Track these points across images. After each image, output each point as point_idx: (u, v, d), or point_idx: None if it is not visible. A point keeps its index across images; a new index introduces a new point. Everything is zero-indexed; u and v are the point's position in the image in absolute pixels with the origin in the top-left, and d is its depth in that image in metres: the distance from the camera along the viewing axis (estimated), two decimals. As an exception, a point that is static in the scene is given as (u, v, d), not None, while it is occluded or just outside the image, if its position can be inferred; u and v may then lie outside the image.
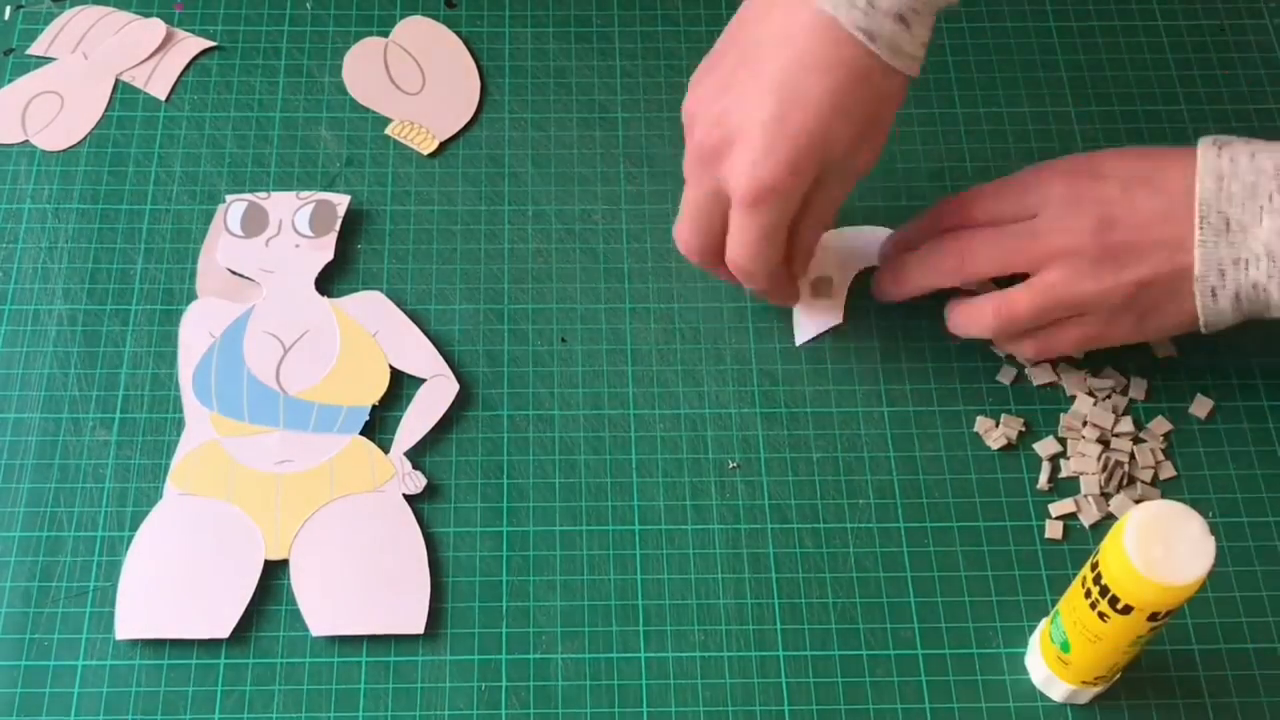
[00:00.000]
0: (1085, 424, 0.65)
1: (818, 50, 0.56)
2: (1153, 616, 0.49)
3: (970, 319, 0.63)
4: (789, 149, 0.56)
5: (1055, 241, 0.59)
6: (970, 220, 0.63)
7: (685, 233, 0.62)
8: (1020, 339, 0.63)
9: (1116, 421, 0.65)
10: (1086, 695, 0.57)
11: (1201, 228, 0.58)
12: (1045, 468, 0.64)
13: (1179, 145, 0.60)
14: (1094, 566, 0.50)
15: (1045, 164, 0.62)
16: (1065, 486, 0.64)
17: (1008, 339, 0.63)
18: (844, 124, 0.56)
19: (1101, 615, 0.51)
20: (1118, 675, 0.57)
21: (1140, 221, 0.59)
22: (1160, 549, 0.48)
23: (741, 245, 0.59)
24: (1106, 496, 0.63)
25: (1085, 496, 0.63)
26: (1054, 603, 0.59)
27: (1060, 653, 0.55)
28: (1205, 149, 0.59)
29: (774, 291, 0.65)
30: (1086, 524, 0.62)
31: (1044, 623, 0.57)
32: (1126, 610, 0.49)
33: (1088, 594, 0.51)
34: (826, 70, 0.56)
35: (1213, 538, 0.48)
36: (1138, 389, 0.66)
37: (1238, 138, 0.59)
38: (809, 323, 0.67)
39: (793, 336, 0.67)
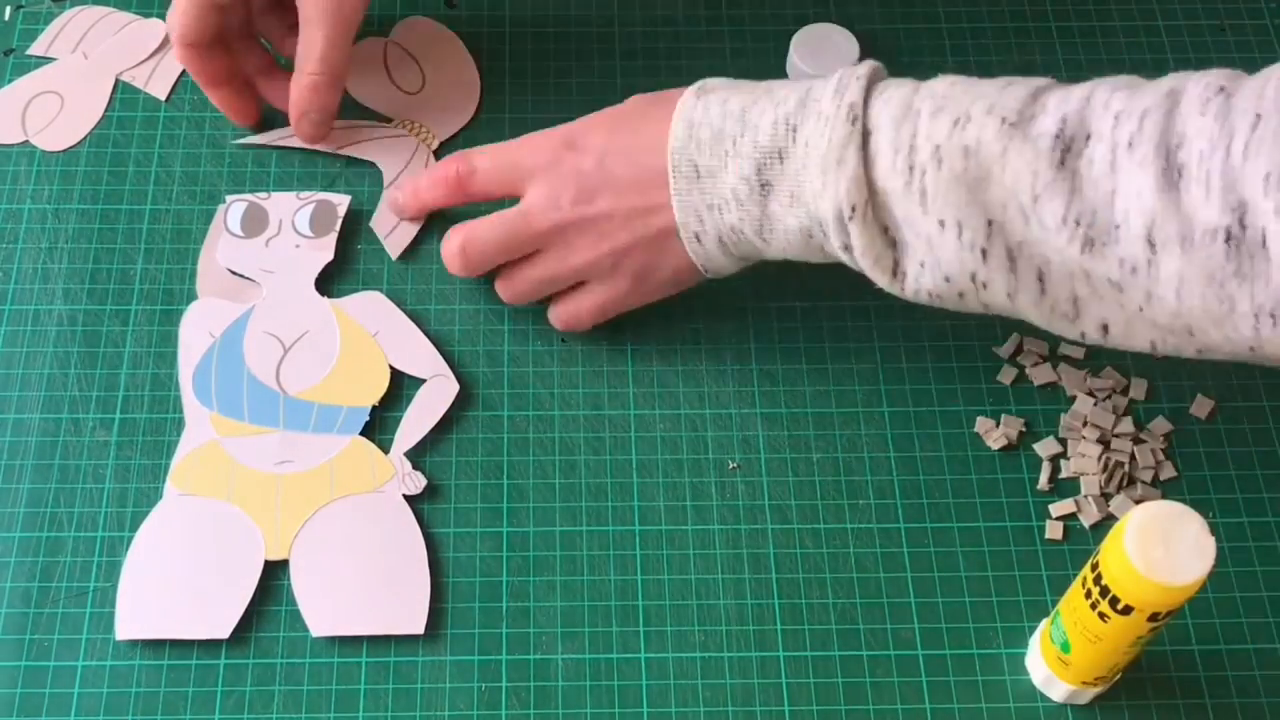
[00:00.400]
0: (1085, 424, 0.65)
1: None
2: (1153, 617, 0.49)
3: (504, 286, 0.66)
4: None
5: (541, 220, 0.62)
6: (472, 194, 0.66)
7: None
8: (551, 307, 0.66)
9: (1117, 422, 0.65)
10: (1087, 696, 0.57)
11: (674, 177, 0.60)
12: (1045, 468, 0.64)
13: None
14: (1094, 567, 0.50)
15: (535, 134, 0.64)
16: (1065, 487, 0.64)
17: (520, 302, 0.66)
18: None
19: (1102, 616, 0.51)
20: (1118, 675, 0.57)
21: (616, 190, 0.61)
22: (1160, 549, 0.48)
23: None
24: (1107, 497, 0.63)
25: (1085, 497, 0.63)
26: (1054, 603, 0.59)
27: (1060, 653, 0.55)
28: (686, 98, 0.61)
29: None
30: (1087, 524, 0.62)
31: (1044, 623, 0.57)
32: (1127, 611, 0.49)
33: (1088, 594, 0.51)
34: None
35: (1213, 538, 0.48)
36: (1138, 389, 0.66)
37: (728, 80, 0.61)
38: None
39: (792, 336, 0.67)
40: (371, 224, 0.69)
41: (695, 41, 0.77)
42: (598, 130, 0.63)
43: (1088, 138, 0.52)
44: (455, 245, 0.65)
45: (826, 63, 0.73)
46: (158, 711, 0.57)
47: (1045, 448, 0.64)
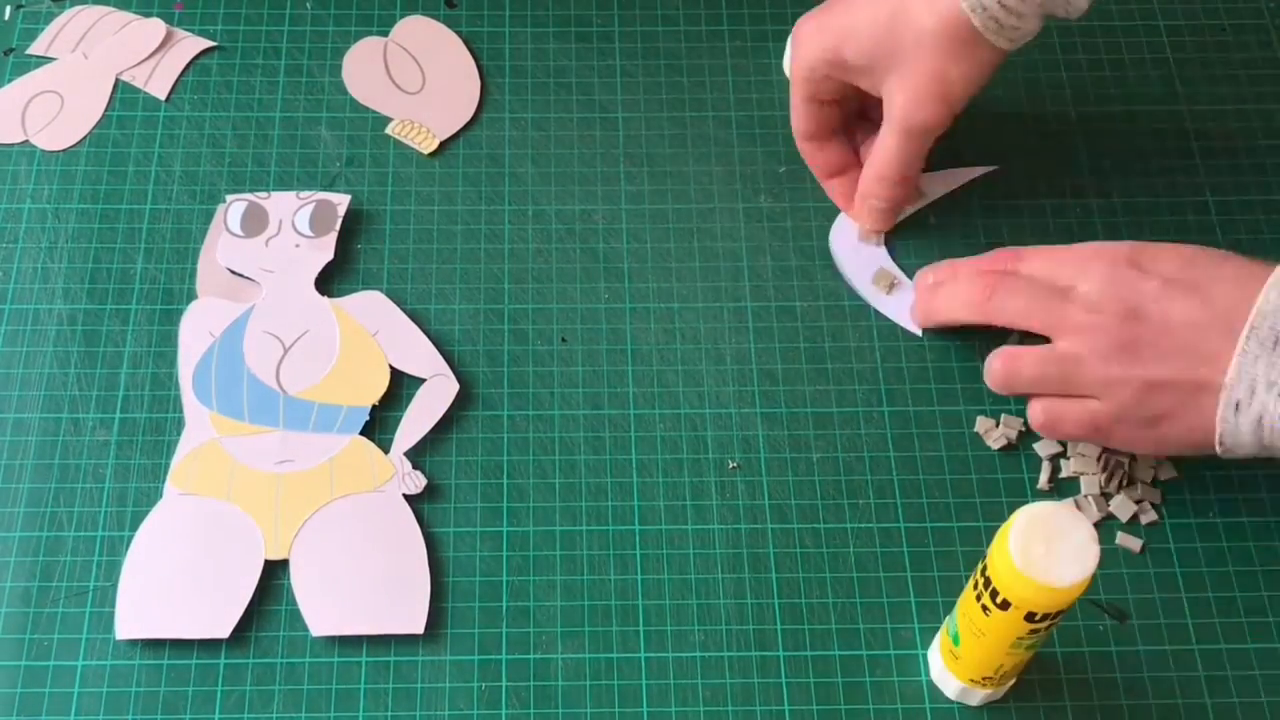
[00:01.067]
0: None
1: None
2: (1030, 616, 0.49)
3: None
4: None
5: (1079, 315, 0.59)
6: (1014, 271, 0.63)
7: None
8: (1031, 400, 0.62)
9: (1117, 421, 0.65)
10: (976, 696, 0.57)
11: (1248, 336, 0.55)
12: (1045, 468, 0.64)
13: (1185, 153, 0.60)
14: (984, 558, 0.51)
15: (1101, 244, 0.62)
16: (1066, 487, 0.64)
17: (1009, 392, 0.63)
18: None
19: (985, 609, 0.51)
20: (1010, 681, 0.57)
21: (1171, 324, 0.57)
22: (1042, 549, 0.48)
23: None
24: (1107, 497, 0.63)
25: (1085, 497, 0.63)
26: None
27: (952, 646, 0.56)
28: None
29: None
30: (1087, 524, 0.62)
31: (948, 616, 0.57)
32: (1005, 606, 0.50)
33: (975, 586, 0.51)
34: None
35: (1097, 546, 0.48)
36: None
37: None
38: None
39: (792, 336, 0.67)
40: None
41: (695, 41, 0.77)
42: (1168, 259, 0.59)
43: None
44: (999, 371, 0.62)
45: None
46: (158, 711, 0.57)
47: (1045, 448, 0.64)
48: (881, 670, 0.59)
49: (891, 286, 0.68)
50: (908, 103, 0.65)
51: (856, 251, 0.70)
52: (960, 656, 0.55)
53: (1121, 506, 0.62)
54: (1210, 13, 0.78)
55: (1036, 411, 0.61)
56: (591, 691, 0.58)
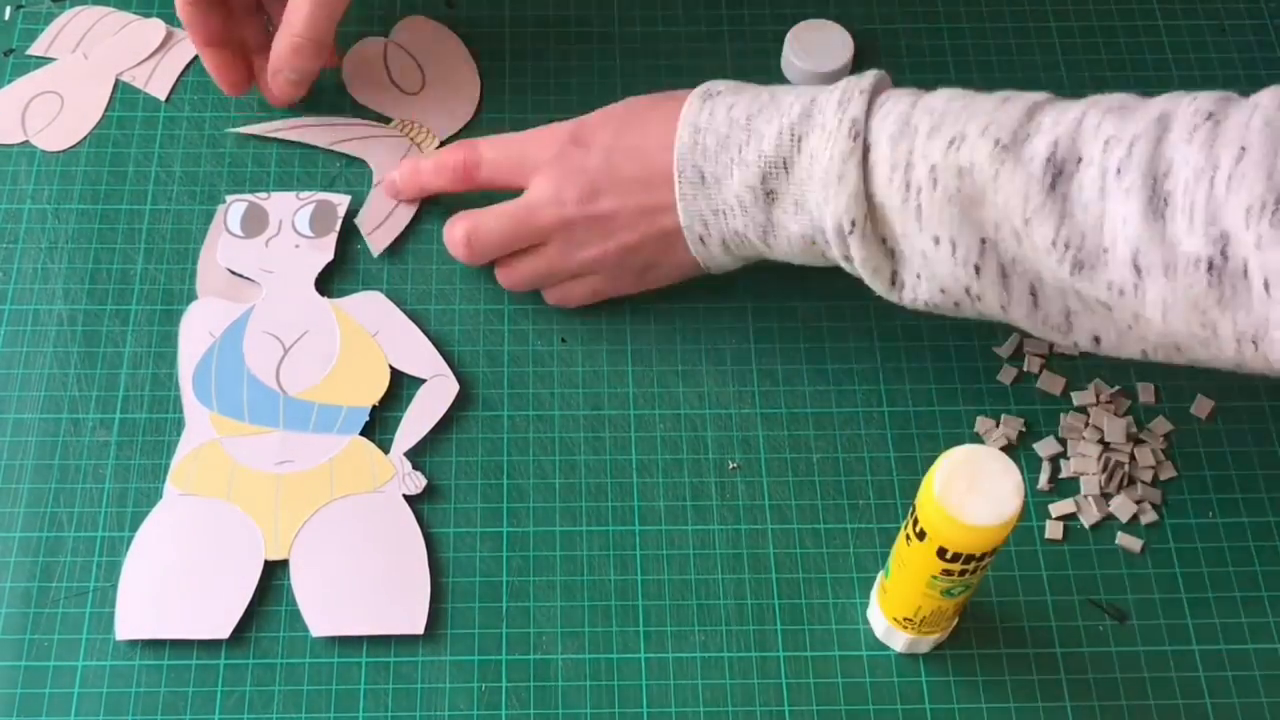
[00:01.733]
0: (1086, 424, 0.65)
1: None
2: (941, 553, 0.50)
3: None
4: None
5: (547, 216, 0.63)
6: (478, 183, 0.66)
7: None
8: (540, 289, 0.67)
9: (1117, 422, 0.64)
10: (900, 640, 0.58)
11: (679, 181, 0.60)
12: (1045, 468, 0.64)
13: None
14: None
15: (542, 128, 0.65)
16: (1066, 487, 0.64)
17: (519, 289, 0.67)
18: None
19: (907, 538, 0.52)
20: (934, 635, 0.57)
21: (623, 189, 0.62)
22: (964, 485, 0.49)
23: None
24: (1107, 497, 0.63)
25: (1085, 497, 0.63)
26: (1054, 605, 0.59)
27: (884, 578, 0.56)
28: (691, 101, 0.61)
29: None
30: (1086, 524, 0.62)
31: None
32: (922, 536, 0.50)
33: (906, 514, 0.52)
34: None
35: (1020, 499, 0.48)
36: (1145, 392, 0.66)
37: (732, 84, 0.62)
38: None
39: (792, 336, 0.67)
40: (357, 220, 0.69)
41: (695, 41, 0.77)
42: (604, 127, 0.63)
43: (1079, 161, 0.52)
44: (460, 234, 0.65)
45: (822, 59, 0.74)
46: (158, 711, 0.57)
47: (1045, 448, 0.64)
48: (881, 670, 0.59)
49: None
50: None
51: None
52: (887, 591, 0.56)
53: (1122, 507, 0.62)
54: (1210, 13, 0.78)
55: (547, 296, 0.67)
56: (591, 692, 0.58)
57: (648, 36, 0.77)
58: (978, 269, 0.55)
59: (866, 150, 0.56)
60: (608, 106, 0.65)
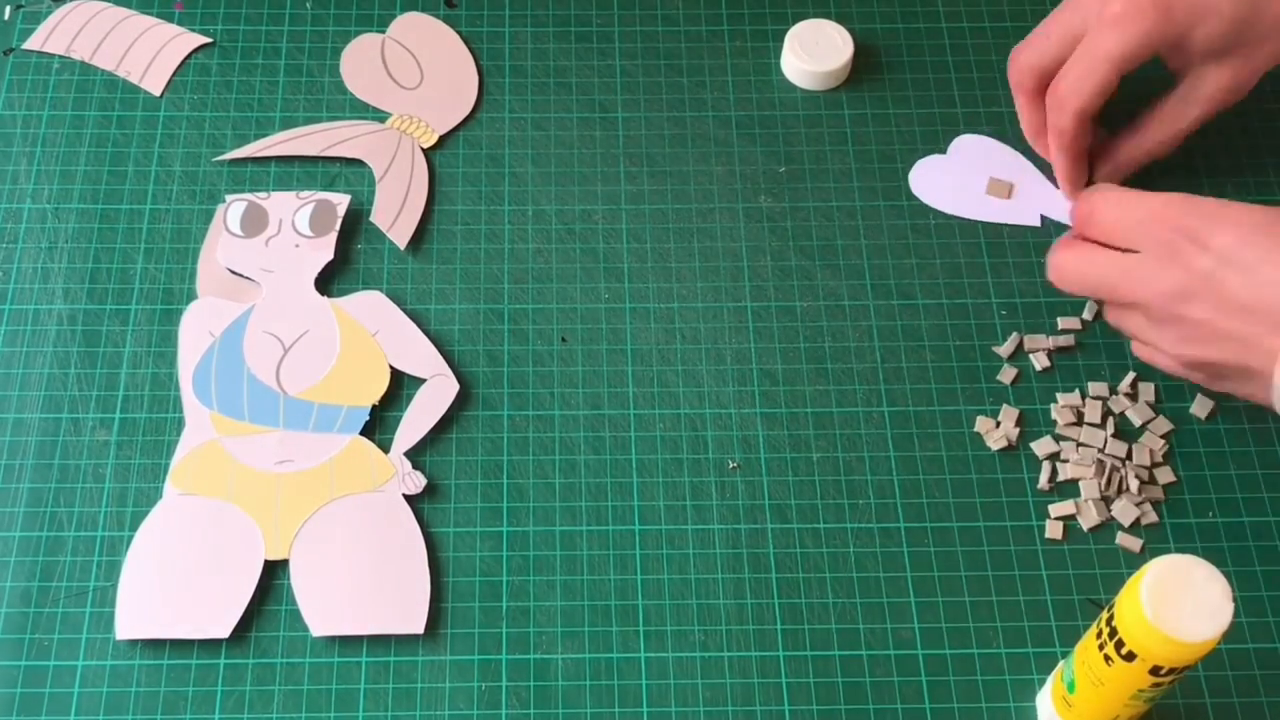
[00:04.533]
0: (1084, 425, 0.64)
1: None
2: (1155, 670, 0.49)
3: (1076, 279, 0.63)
4: None
5: (1134, 290, 0.59)
6: (1091, 222, 0.61)
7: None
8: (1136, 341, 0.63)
9: (1117, 422, 0.64)
10: None
11: None
12: (1045, 468, 0.64)
13: (1185, 152, 0.59)
14: (1110, 608, 0.50)
15: (1175, 197, 0.59)
16: (1066, 487, 0.64)
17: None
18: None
19: (1107, 659, 0.50)
20: None
21: (1222, 306, 0.57)
22: (1174, 602, 0.47)
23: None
24: (1107, 500, 0.63)
25: (1086, 500, 0.63)
26: (1054, 605, 0.59)
27: (1066, 693, 0.55)
28: None
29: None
30: (1085, 527, 0.62)
31: (1061, 663, 0.56)
32: (1130, 657, 0.49)
33: (1099, 634, 0.51)
34: None
35: (1231, 604, 0.47)
36: (1143, 391, 0.66)
37: None
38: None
39: (792, 336, 0.67)
40: (372, 218, 0.69)
41: (695, 41, 0.77)
42: (1230, 229, 0.57)
43: None
44: (1057, 260, 0.63)
45: (822, 59, 0.74)
46: (158, 711, 0.57)
47: (1044, 447, 0.64)
48: (881, 670, 0.59)
49: (1011, 191, 0.68)
50: (1239, 80, 0.63)
51: (947, 175, 0.71)
52: (1074, 705, 0.54)
53: (1124, 511, 0.62)
54: (1210, 12, 0.78)
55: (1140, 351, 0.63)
56: (591, 691, 0.58)
57: (648, 36, 0.77)
58: None
59: None
60: (1236, 204, 0.58)
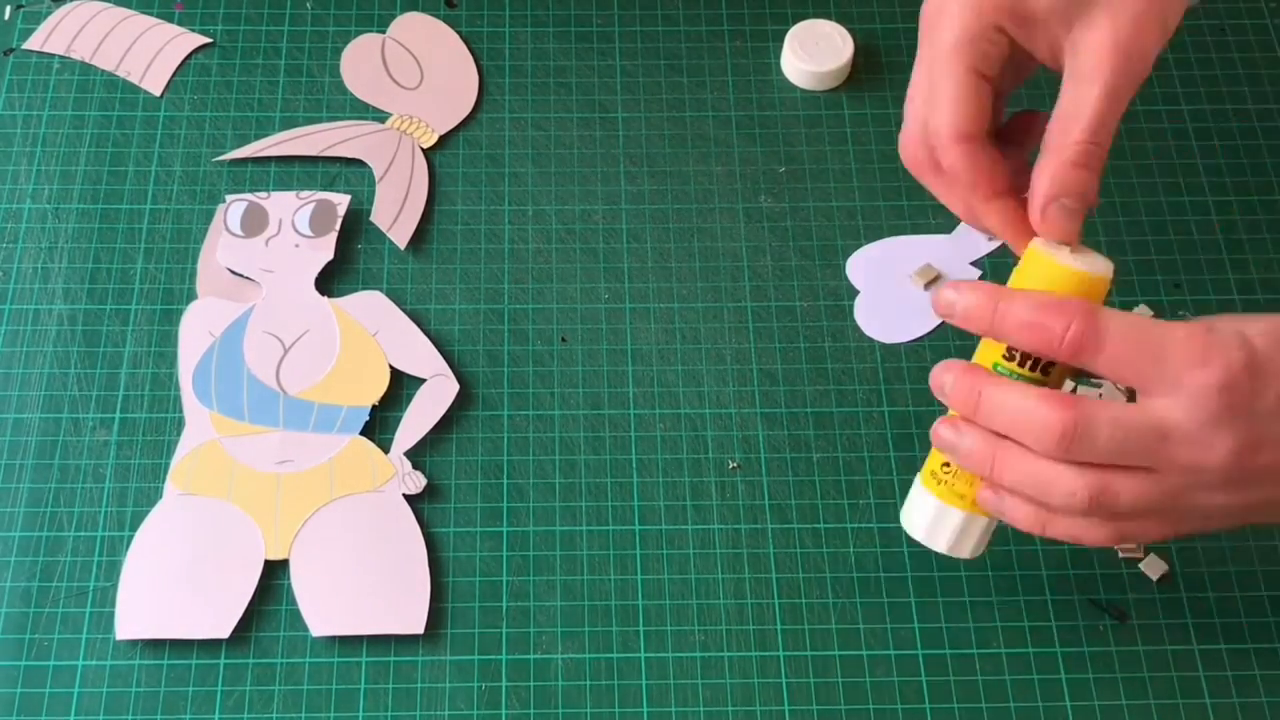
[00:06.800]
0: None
1: None
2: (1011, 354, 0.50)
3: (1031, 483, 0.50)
4: None
5: (1186, 455, 0.47)
6: (1080, 364, 0.49)
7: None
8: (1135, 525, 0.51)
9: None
10: (979, 526, 0.53)
11: None
12: (1045, 468, 0.64)
13: (1185, 153, 0.58)
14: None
15: (1202, 327, 0.48)
16: (1065, 486, 0.64)
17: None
18: None
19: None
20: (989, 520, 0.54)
21: None
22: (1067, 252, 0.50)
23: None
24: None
25: (1085, 497, 0.63)
26: (1054, 605, 0.59)
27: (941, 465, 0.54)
28: None
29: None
30: (1086, 524, 0.62)
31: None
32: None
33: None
34: None
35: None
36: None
37: None
38: None
39: (792, 336, 0.67)
40: (372, 218, 0.69)
41: (695, 41, 0.77)
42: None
43: None
44: (1058, 424, 0.48)
45: (822, 59, 0.74)
46: (158, 711, 0.57)
47: (1045, 448, 0.64)
48: (881, 670, 0.59)
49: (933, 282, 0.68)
50: (1123, 30, 0.50)
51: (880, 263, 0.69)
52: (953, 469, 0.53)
53: (1121, 506, 0.62)
54: (1210, 13, 0.78)
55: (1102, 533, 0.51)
56: (591, 691, 0.58)
57: (648, 36, 0.77)
58: None
59: None
60: (1242, 338, 0.47)
